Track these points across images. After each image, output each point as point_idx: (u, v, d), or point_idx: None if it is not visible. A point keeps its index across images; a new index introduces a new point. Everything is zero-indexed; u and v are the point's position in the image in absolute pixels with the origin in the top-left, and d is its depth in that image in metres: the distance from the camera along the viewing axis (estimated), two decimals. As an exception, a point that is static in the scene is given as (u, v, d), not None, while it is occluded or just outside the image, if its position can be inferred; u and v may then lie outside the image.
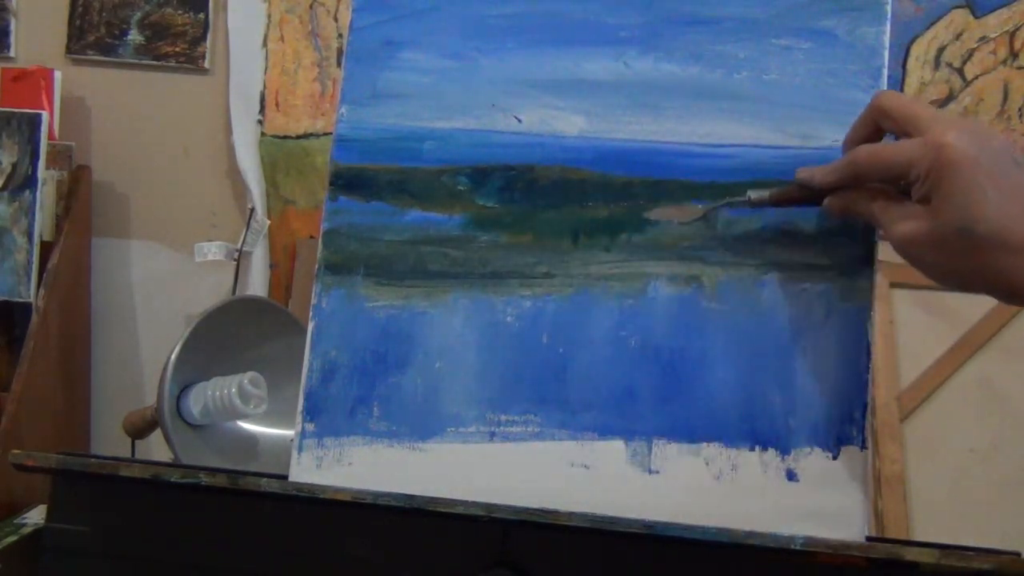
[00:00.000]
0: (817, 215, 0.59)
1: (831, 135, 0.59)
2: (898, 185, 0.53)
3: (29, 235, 1.23)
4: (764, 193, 0.58)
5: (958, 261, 0.51)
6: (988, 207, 0.49)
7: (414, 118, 0.63)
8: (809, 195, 0.57)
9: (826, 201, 0.57)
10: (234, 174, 1.39)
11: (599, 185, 0.60)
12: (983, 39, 1.30)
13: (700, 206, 0.60)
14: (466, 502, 0.54)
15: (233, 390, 0.89)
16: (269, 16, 1.39)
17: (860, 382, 0.56)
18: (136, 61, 1.41)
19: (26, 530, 1.00)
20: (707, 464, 0.57)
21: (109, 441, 1.36)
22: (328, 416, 0.60)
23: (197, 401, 0.91)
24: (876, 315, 0.57)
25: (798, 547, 0.52)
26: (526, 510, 0.54)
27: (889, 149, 0.53)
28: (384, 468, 0.59)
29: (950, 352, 1.16)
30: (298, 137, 1.39)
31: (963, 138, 0.50)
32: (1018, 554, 0.52)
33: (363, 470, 0.59)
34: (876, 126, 0.55)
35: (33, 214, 1.24)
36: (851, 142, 0.57)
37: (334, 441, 0.59)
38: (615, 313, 0.59)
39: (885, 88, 0.60)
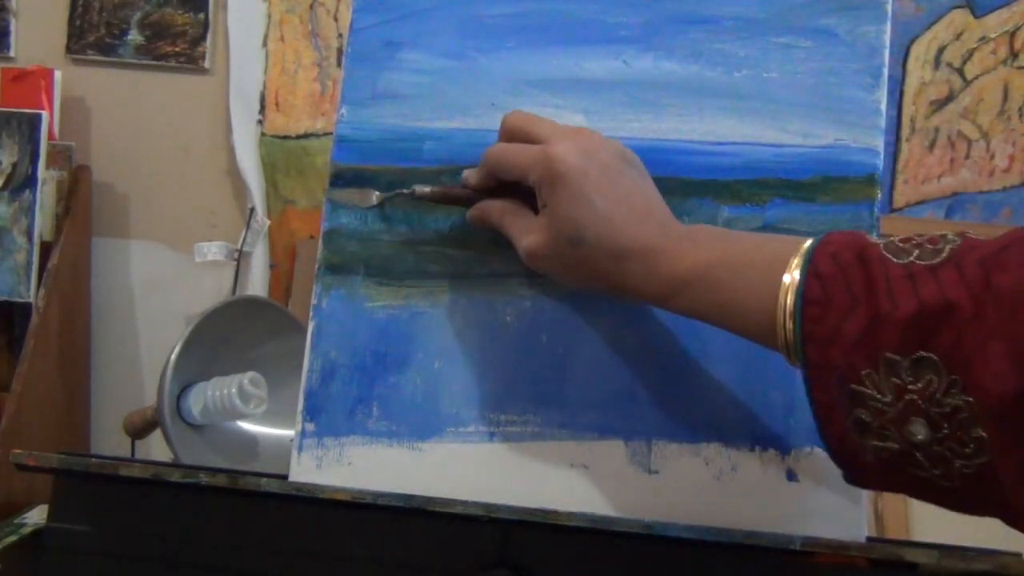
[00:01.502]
0: (818, 215, 0.59)
1: (831, 133, 0.59)
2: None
3: (29, 235, 1.23)
4: (427, 188, 0.60)
5: (576, 269, 0.53)
6: (594, 217, 0.50)
7: (414, 118, 0.63)
8: (468, 195, 0.59)
9: (468, 213, 0.59)
10: (234, 174, 1.39)
11: (599, 185, 0.60)
12: (983, 39, 1.30)
13: (377, 193, 0.61)
14: (466, 502, 0.54)
15: (233, 390, 0.89)
16: (269, 16, 1.39)
17: (860, 382, 0.56)
18: (136, 61, 1.41)
19: (26, 530, 0.99)
20: (707, 464, 0.57)
21: (109, 441, 1.36)
22: (328, 416, 0.59)
23: (197, 401, 0.91)
24: (876, 315, 0.57)
25: (798, 547, 0.52)
26: (526, 510, 0.54)
27: (514, 151, 0.55)
28: (384, 468, 0.58)
29: (950, 352, 1.15)
30: (298, 137, 1.39)
31: (571, 150, 0.51)
32: (1018, 554, 0.52)
33: (363, 470, 0.59)
34: None
35: (33, 214, 1.24)
36: None
37: (334, 441, 0.59)
38: (614, 312, 0.59)
39: (885, 87, 0.60)
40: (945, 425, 0.40)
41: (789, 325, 0.44)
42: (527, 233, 0.54)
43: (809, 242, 0.46)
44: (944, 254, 0.41)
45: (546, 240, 0.53)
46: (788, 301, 0.44)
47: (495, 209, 0.57)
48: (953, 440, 0.40)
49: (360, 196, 0.62)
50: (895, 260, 0.42)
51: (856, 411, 0.42)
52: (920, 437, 0.41)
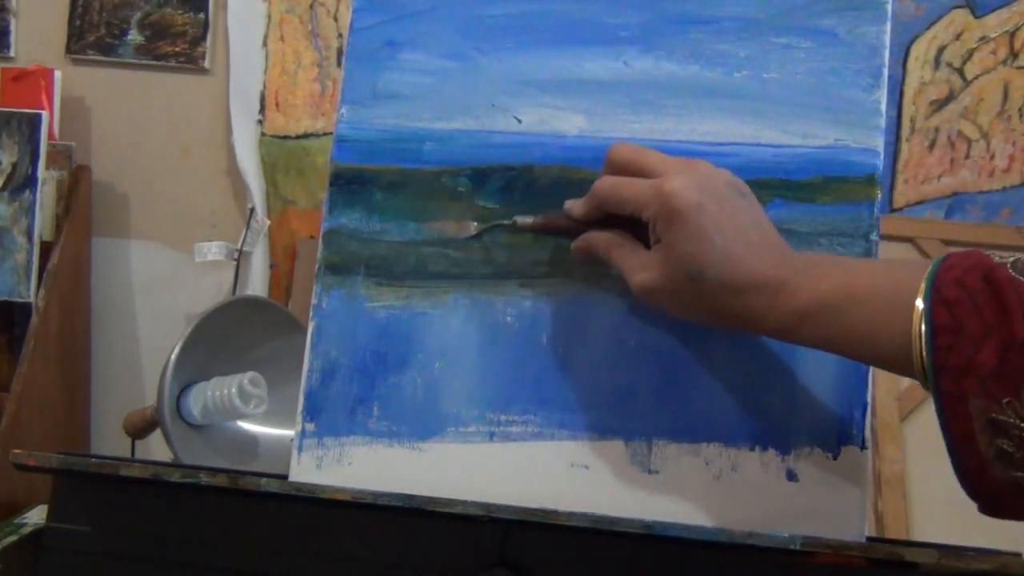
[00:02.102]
0: (818, 215, 0.59)
1: (831, 134, 0.59)
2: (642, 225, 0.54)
3: (29, 235, 1.23)
4: (529, 219, 0.59)
5: (694, 305, 0.52)
6: (714, 253, 0.50)
7: (414, 119, 0.63)
8: (571, 226, 0.57)
9: (572, 244, 0.58)
10: (234, 174, 1.39)
11: (599, 185, 0.60)
12: (983, 39, 1.30)
13: (475, 224, 0.60)
14: (466, 502, 0.54)
15: (233, 390, 0.89)
16: (269, 16, 1.39)
17: (860, 382, 0.56)
18: (136, 61, 1.41)
19: (26, 530, 0.99)
20: (707, 464, 0.57)
21: (109, 441, 1.36)
22: (328, 416, 0.60)
23: (197, 401, 0.91)
24: (876, 315, 0.57)
25: (798, 547, 0.52)
26: (526, 510, 0.54)
27: (626, 185, 0.54)
28: (384, 468, 0.59)
29: (950, 352, 1.15)
30: (298, 137, 1.39)
31: (688, 185, 0.50)
32: (1018, 554, 0.52)
33: (363, 470, 0.59)
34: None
35: (33, 214, 1.24)
36: None
37: (334, 441, 0.59)
38: (615, 312, 0.59)
39: (885, 87, 0.60)
40: None
41: (924, 353, 0.43)
42: (641, 269, 0.53)
43: (931, 265, 0.45)
44: None
45: (662, 276, 0.52)
46: (922, 328, 0.43)
47: (603, 242, 0.56)
48: None
49: (458, 226, 0.61)
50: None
51: (998, 441, 0.41)
52: None
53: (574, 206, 0.57)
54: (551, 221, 0.59)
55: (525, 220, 0.59)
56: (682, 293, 0.51)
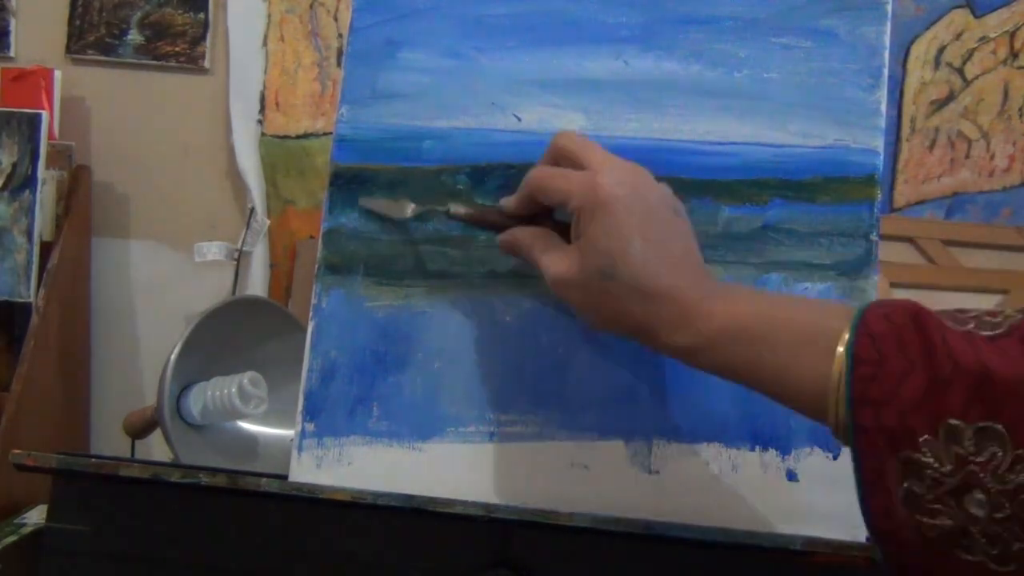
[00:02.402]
0: (818, 215, 0.59)
1: (831, 134, 0.59)
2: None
3: (29, 235, 1.23)
4: (462, 209, 0.58)
5: (603, 305, 0.50)
6: (631, 253, 0.48)
7: (414, 117, 0.63)
8: (503, 221, 0.57)
9: (499, 239, 0.57)
10: (234, 174, 1.39)
11: (599, 184, 0.60)
12: (983, 39, 1.29)
13: (412, 206, 0.60)
14: (466, 502, 0.54)
15: (233, 390, 0.89)
16: (269, 16, 1.39)
17: (860, 382, 0.56)
18: (136, 61, 1.41)
19: (26, 530, 0.99)
20: (707, 464, 0.57)
21: (109, 441, 1.36)
22: (328, 416, 0.59)
23: (197, 401, 0.91)
24: (876, 315, 0.57)
25: (798, 547, 0.52)
26: (526, 510, 0.54)
27: (558, 175, 0.53)
28: (384, 468, 0.58)
29: (950, 352, 1.15)
30: (298, 137, 1.39)
31: (620, 183, 0.49)
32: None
33: (363, 470, 0.59)
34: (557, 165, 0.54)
35: (33, 214, 1.24)
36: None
37: (334, 441, 0.59)
38: (615, 313, 0.59)
39: (885, 87, 0.60)
40: (1007, 503, 0.37)
41: (843, 385, 0.42)
42: (557, 260, 0.52)
43: (858, 305, 0.44)
44: (1003, 328, 0.40)
45: (577, 268, 0.50)
46: (844, 359, 0.42)
47: (526, 236, 0.55)
48: (1015, 521, 0.37)
49: (395, 207, 0.60)
50: (952, 326, 0.40)
51: (909, 482, 0.39)
52: (977, 512, 0.38)
53: (507, 201, 0.57)
54: (483, 215, 0.58)
55: (458, 210, 0.58)
56: (591, 289, 0.50)
